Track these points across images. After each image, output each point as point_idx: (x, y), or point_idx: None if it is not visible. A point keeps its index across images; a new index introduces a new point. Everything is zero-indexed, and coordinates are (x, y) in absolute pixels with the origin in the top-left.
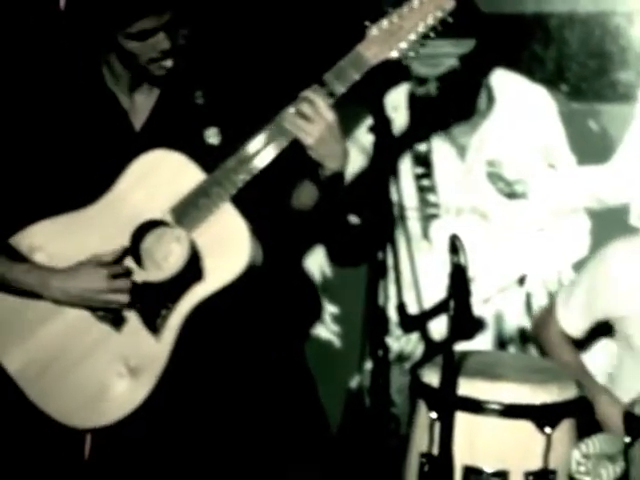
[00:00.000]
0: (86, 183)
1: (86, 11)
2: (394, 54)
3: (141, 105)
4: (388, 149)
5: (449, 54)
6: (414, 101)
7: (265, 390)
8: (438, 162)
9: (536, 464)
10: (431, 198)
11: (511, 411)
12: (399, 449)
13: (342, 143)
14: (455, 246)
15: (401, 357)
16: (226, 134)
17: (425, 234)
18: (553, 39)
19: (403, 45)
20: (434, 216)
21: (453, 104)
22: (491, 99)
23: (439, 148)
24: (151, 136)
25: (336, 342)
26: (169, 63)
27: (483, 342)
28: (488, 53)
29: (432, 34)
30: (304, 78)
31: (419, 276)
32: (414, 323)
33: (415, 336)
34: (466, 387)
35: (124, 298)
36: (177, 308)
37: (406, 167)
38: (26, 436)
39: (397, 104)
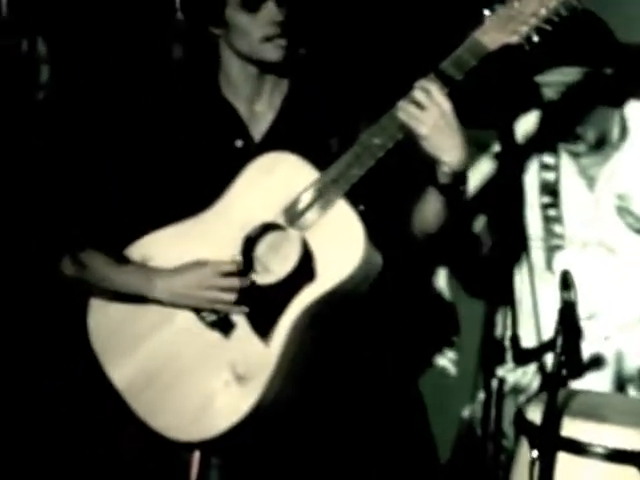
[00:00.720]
0: (204, 196)
1: None
2: (514, 38)
3: (261, 116)
4: (517, 174)
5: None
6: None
7: (376, 414)
8: (566, 192)
9: None
10: (557, 229)
11: (616, 456)
12: None
13: (460, 135)
14: (566, 282)
15: (516, 389)
16: (346, 140)
17: (549, 265)
18: None
19: (523, 29)
20: (559, 247)
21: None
22: (625, 130)
23: (568, 178)
24: (271, 147)
25: (451, 369)
26: (283, 42)
27: (601, 381)
28: (625, 83)
29: (557, 18)
30: (421, 73)
31: (540, 307)
32: (527, 356)
33: (532, 369)
34: (570, 427)
35: (230, 296)
36: (287, 311)
37: (533, 196)
38: (128, 456)
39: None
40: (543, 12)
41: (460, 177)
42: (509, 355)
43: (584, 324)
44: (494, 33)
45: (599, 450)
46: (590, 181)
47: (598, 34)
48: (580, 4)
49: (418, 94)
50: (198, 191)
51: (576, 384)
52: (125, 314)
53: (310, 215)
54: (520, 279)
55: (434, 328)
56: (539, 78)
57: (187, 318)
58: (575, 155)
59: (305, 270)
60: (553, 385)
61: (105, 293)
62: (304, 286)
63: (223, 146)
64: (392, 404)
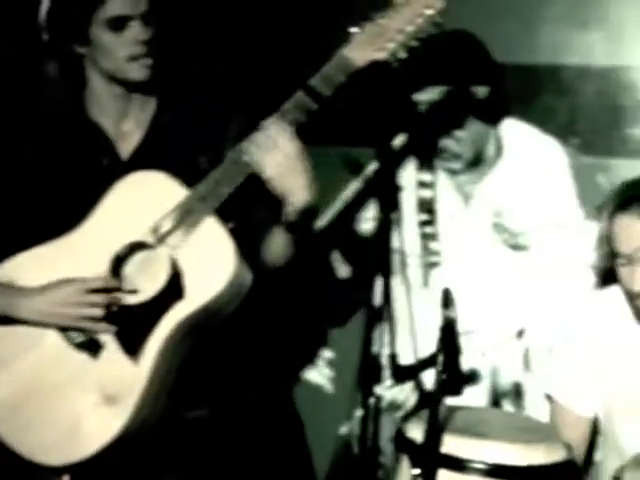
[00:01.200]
0: (72, 216)
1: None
2: (381, 55)
3: (129, 134)
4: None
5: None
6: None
7: (252, 431)
8: (442, 210)
9: None
10: (433, 245)
11: (496, 472)
12: None
13: (305, 176)
14: (447, 299)
15: (393, 406)
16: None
17: (425, 282)
18: (566, 91)
19: (390, 45)
20: (435, 264)
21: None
22: (500, 148)
23: (444, 195)
24: (139, 165)
25: (328, 387)
26: (149, 61)
27: (477, 396)
28: (500, 102)
29: (423, 35)
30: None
31: (417, 324)
32: (406, 374)
33: (408, 386)
34: (450, 444)
35: (97, 313)
36: (156, 330)
37: (410, 213)
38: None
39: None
40: (409, 29)
41: (306, 214)
42: (386, 372)
43: (461, 340)
44: (361, 50)
45: (480, 466)
46: (466, 198)
47: (475, 53)
48: (444, 21)
49: (261, 138)
50: (66, 211)
51: (453, 399)
52: None
53: (179, 233)
54: (397, 296)
55: (304, 344)
56: (416, 96)
57: (55, 340)
58: (452, 173)
59: (174, 288)
60: (434, 402)
61: None
62: (173, 304)
63: (90, 165)
64: (267, 422)
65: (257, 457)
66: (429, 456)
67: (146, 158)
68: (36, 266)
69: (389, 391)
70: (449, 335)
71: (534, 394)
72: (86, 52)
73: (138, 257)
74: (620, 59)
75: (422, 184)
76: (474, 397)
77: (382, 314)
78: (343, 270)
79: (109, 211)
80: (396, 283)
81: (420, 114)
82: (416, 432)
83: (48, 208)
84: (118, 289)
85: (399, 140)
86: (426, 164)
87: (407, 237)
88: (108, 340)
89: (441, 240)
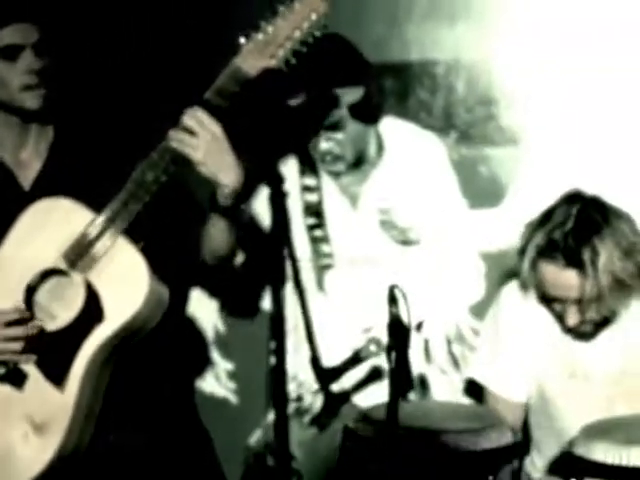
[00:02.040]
0: None
1: None
2: (272, 62)
3: (28, 164)
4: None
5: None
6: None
7: (159, 448)
8: (330, 212)
9: None
10: (324, 248)
11: (452, 459)
12: None
13: (232, 155)
14: (393, 297)
15: (299, 410)
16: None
17: (320, 285)
18: (440, 86)
19: (280, 52)
20: (328, 266)
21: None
22: (381, 147)
23: (330, 198)
24: (41, 194)
25: (232, 399)
26: (42, 91)
27: (383, 392)
28: (376, 101)
29: (310, 39)
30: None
31: (313, 329)
32: (329, 376)
33: (311, 391)
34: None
35: (17, 345)
36: (79, 354)
37: (297, 218)
38: None
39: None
40: (297, 34)
41: (240, 196)
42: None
43: (361, 337)
44: (253, 59)
45: (437, 456)
46: (352, 199)
47: (346, 55)
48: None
49: (188, 121)
50: None
51: (359, 399)
52: None
53: (91, 256)
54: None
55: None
56: (289, 102)
57: None
58: (335, 175)
59: (92, 311)
60: (392, 401)
61: None
62: (93, 327)
63: None
64: (177, 438)
65: (171, 474)
66: (389, 451)
67: (48, 186)
68: None
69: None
70: (397, 332)
71: (438, 385)
72: None
73: (52, 284)
74: (488, 50)
75: (307, 188)
76: (378, 393)
77: (283, 322)
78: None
79: (18, 241)
80: (289, 290)
81: (294, 119)
82: (368, 430)
83: None
84: (33, 319)
85: None
86: (309, 168)
87: (297, 242)
88: (31, 370)
89: (332, 242)
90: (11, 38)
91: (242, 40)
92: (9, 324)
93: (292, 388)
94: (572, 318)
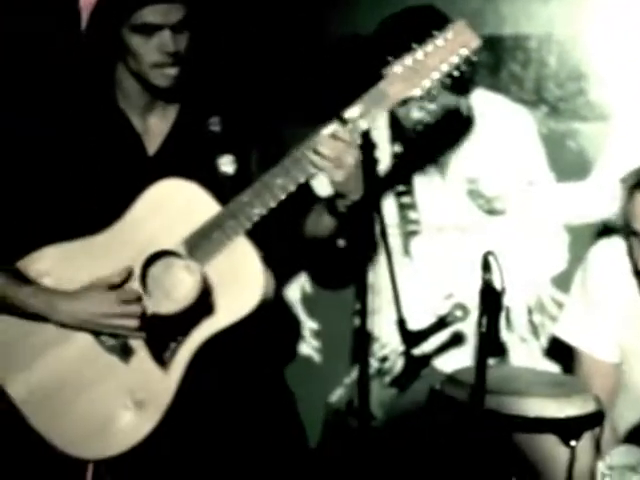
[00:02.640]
0: (97, 208)
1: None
2: (417, 92)
3: (155, 129)
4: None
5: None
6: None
7: (246, 409)
8: (419, 179)
9: (561, 477)
10: (412, 215)
11: (536, 425)
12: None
13: (361, 176)
14: (486, 263)
15: (380, 372)
16: (242, 163)
17: (406, 250)
18: (531, 60)
19: (427, 84)
20: (415, 233)
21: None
22: (471, 118)
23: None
24: (165, 162)
25: (316, 357)
26: (173, 71)
27: (463, 357)
28: (469, 74)
29: (456, 73)
30: (322, 105)
31: (399, 292)
32: (416, 338)
33: (393, 352)
34: (492, 402)
35: (134, 323)
36: (186, 343)
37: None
38: (26, 466)
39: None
40: (444, 67)
41: (353, 206)
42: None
43: (443, 304)
44: (399, 85)
45: (521, 421)
46: (441, 167)
47: (441, 27)
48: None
49: (328, 148)
50: (94, 205)
51: (439, 363)
52: (21, 328)
53: (210, 249)
54: (379, 266)
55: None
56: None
57: (86, 339)
58: (426, 141)
59: (204, 304)
60: (481, 363)
61: (1, 310)
62: (203, 319)
63: (118, 158)
64: (260, 396)
65: (251, 431)
66: (476, 414)
67: (171, 155)
68: (65, 262)
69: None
70: (490, 297)
71: (517, 352)
72: (117, 51)
73: (170, 266)
74: (580, 26)
75: (397, 156)
76: (460, 359)
77: (367, 284)
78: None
79: (142, 215)
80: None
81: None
82: (455, 391)
83: (75, 201)
84: (150, 300)
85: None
86: (399, 136)
87: (385, 208)
88: (138, 346)
89: (419, 209)
90: (151, 17)
91: (390, 58)
92: (127, 301)
93: (375, 349)
94: None
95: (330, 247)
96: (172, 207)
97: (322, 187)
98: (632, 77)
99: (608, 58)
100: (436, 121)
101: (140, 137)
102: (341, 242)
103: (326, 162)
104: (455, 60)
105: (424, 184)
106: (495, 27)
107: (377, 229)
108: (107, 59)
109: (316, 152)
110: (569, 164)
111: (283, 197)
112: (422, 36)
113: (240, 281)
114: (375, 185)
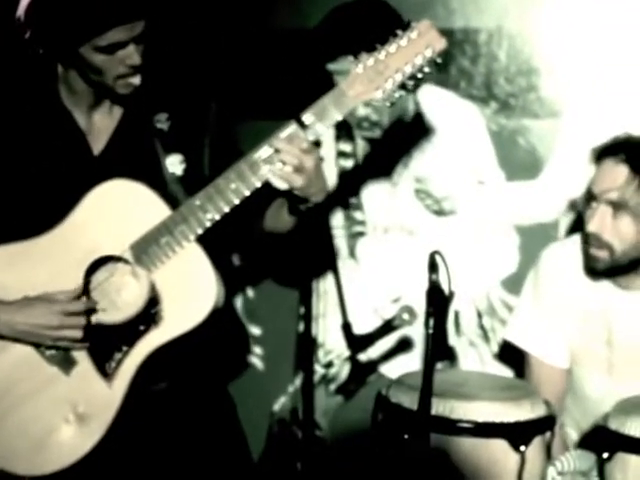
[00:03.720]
0: (39, 210)
1: (51, 20)
2: (378, 95)
3: (100, 126)
4: None
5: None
6: None
7: (187, 419)
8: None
9: None
10: (357, 216)
11: (485, 430)
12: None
13: (324, 178)
14: (433, 263)
15: (325, 378)
16: (192, 163)
17: (352, 252)
18: (481, 55)
19: (388, 85)
20: (360, 234)
21: None
22: (419, 115)
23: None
24: (110, 161)
25: (258, 364)
26: (137, 80)
27: (411, 363)
28: None
29: (419, 75)
30: (276, 104)
31: (345, 296)
32: (362, 343)
33: (338, 358)
34: (439, 407)
35: (77, 334)
36: (132, 353)
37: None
38: None
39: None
40: (408, 69)
41: (315, 207)
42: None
43: (390, 307)
44: (360, 86)
45: (469, 426)
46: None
47: (388, 20)
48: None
49: (285, 156)
50: (35, 208)
51: (386, 369)
52: None
53: (159, 255)
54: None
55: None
56: (331, 66)
57: (24, 348)
58: (372, 141)
59: (151, 313)
60: (428, 367)
61: None
62: (150, 329)
63: (60, 157)
64: (201, 405)
65: (192, 442)
66: (423, 420)
67: (117, 156)
68: (6, 266)
69: (318, 364)
70: (437, 298)
71: (466, 357)
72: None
73: (115, 273)
74: (531, 19)
75: (342, 154)
76: (408, 363)
77: (311, 287)
78: None
79: (88, 218)
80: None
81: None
82: (402, 397)
83: (15, 201)
84: (94, 309)
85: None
86: (345, 134)
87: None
88: (80, 356)
89: (365, 210)
90: (117, 37)
91: (351, 59)
92: (71, 313)
93: (319, 355)
94: (596, 222)
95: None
96: (118, 209)
97: None
98: (583, 72)
99: (560, 53)
100: (382, 118)
101: (85, 136)
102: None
103: (286, 168)
104: (419, 62)
105: (370, 184)
106: (444, 20)
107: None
108: (51, 64)
109: (274, 158)
110: (519, 162)
111: (237, 202)
112: (369, 29)
113: (191, 290)
114: None
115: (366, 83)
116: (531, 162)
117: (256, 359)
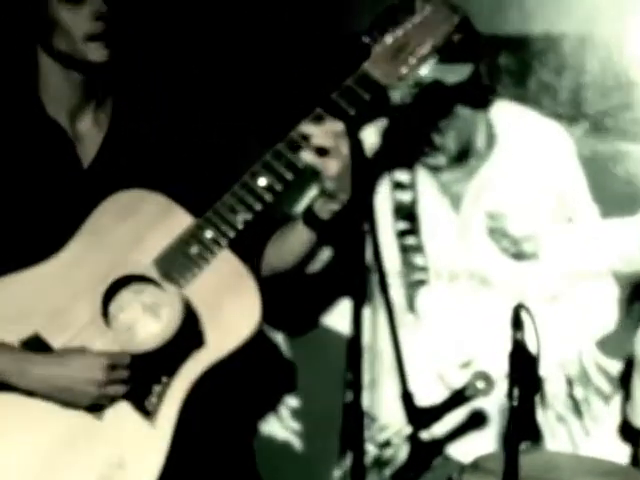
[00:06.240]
0: (24, 234)
1: None
2: (404, 70)
3: (87, 136)
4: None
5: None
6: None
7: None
8: (426, 215)
9: None
10: (418, 260)
11: None
12: None
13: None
14: (517, 319)
15: (379, 461)
16: (196, 172)
17: (410, 305)
18: (567, 66)
19: (412, 60)
20: (421, 282)
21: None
22: (492, 137)
23: (427, 198)
24: (102, 175)
25: (296, 443)
26: (107, 44)
27: (485, 440)
28: (488, 82)
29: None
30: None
31: (404, 359)
32: (425, 418)
33: (397, 436)
34: None
35: (121, 390)
36: (175, 382)
37: (386, 223)
38: None
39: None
40: (430, 41)
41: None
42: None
43: (459, 373)
44: (385, 65)
45: None
46: (454, 200)
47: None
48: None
49: (321, 132)
50: (19, 231)
51: (454, 449)
52: None
53: (189, 267)
54: (376, 324)
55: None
56: None
57: (40, 402)
58: (434, 170)
59: (190, 334)
60: (512, 447)
61: None
62: (192, 353)
63: (47, 173)
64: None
65: None
66: None
67: (109, 167)
68: (16, 297)
69: (372, 444)
70: (522, 362)
71: (554, 436)
72: (39, 35)
73: (140, 294)
74: (627, 23)
75: (398, 185)
76: (482, 442)
77: (361, 348)
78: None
79: (98, 235)
80: (375, 309)
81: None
82: None
83: (10, 226)
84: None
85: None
86: (401, 161)
87: (384, 251)
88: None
89: (427, 253)
90: None
91: (365, 40)
92: (116, 366)
93: (372, 432)
94: None
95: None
96: (135, 222)
97: None
98: None
99: None
100: (447, 141)
101: (73, 144)
102: (316, 265)
103: (320, 157)
104: (439, 34)
105: (433, 221)
106: (521, 24)
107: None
108: (27, 49)
109: (305, 143)
110: (616, 195)
111: (270, 199)
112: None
113: (232, 302)
114: (371, 222)
115: (390, 61)
116: (630, 195)
117: (293, 437)
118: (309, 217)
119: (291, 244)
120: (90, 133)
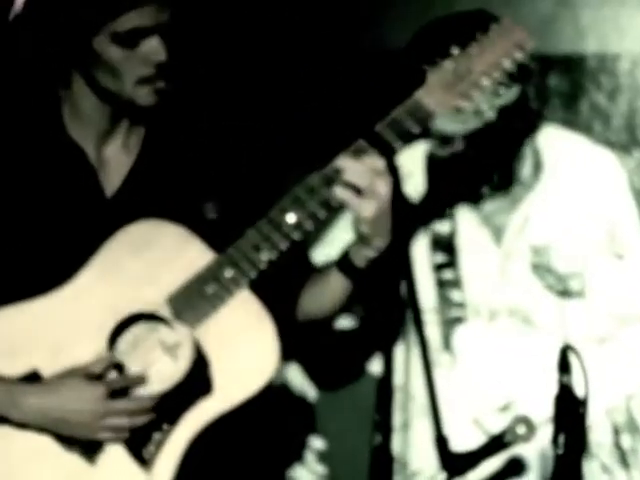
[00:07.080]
0: (42, 262)
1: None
2: (463, 102)
3: (114, 163)
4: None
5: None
6: (435, 165)
7: None
8: (465, 248)
9: None
10: (455, 296)
11: None
12: None
13: (390, 217)
14: (566, 361)
15: None
16: (227, 206)
17: (447, 344)
18: (622, 88)
19: (474, 92)
20: (459, 320)
21: (486, 169)
22: (538, 166)
23: (467, 229)
24: (126, 206)
25: None
26: (162, 84)
27: None
28: (536, 105)
29: (505, 79)
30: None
31: (438, 400)
32: (461, 465)
33: None
34: None
35: (125, 423)
36: (175, 432)
37: (422, 254)
38: None
39: (412, 169)
40: (495, 73)
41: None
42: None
43: (498, 417)
44: (439, 94)
45: None
46: (496, 232)
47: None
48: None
49: (356, 168)
50: (35, 261)
51: None
52: None
53: (204, 307)
54: (412, 364)
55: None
56: None
57: (34, 435)
58: (475, 200)
59: (198, 380)
60: None
61: None
62: (197, 401)
63: (65, 200)
64: None
65: None
66: None
67: (135, 197)
68: (19, 329)
69: None
70: (569, 407)
71: None
72: (79, 63)
73: (150, 332)
74: None
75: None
76: None
77: (391, 387)
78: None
79: (109, 267)
80: (409, 347)
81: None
82: None
83: (21, 254)
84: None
85: None
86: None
87: (420, 285)
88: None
89: (465, 288)
90: (136, 21)
91: (426, 67)
92: (113, 394)
93: (403, 478)
94: None
95: (332, 329)
96: (151, 256)
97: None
98: None
99: None
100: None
101: (95, 172)
102: (346, 322)
103: (351, 192)
104: (507, 63)
105: (472, 254)
106: (573, 42)
107: (408, 315)
108: (55, 72)
109: (338, 179)
110: None
111: (297, 237)
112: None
113: (246, 348)
114: (405, 229)
115: (446, 90)
116: None
117: None
118: (344, 263)
119: (326, 290)
120: (118, 159)
